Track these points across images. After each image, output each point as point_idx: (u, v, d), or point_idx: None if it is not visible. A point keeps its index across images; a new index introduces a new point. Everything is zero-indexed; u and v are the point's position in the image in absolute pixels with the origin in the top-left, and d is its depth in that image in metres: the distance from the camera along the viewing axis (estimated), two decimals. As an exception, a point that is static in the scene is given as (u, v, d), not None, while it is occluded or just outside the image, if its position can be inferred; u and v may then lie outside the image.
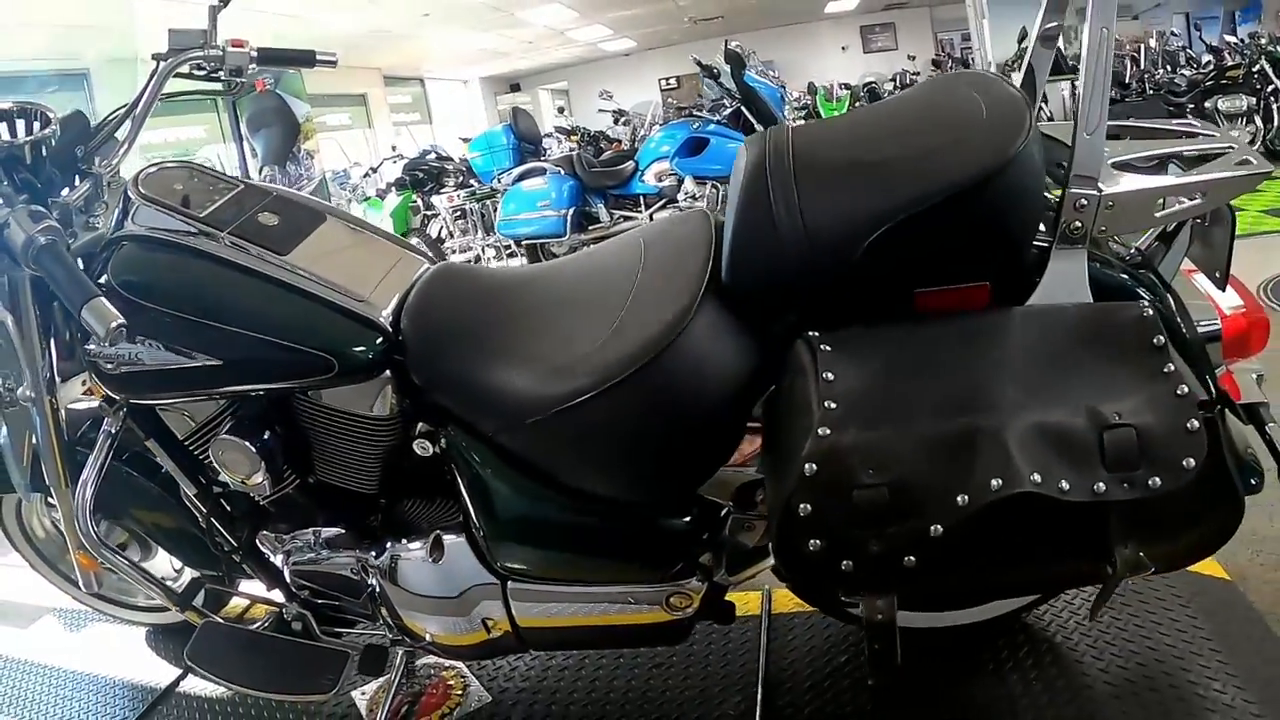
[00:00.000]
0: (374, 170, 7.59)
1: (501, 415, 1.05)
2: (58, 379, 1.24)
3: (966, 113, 0.97)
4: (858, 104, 10.22)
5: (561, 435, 1.03)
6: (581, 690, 1.49)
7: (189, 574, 1.66)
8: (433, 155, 7.45)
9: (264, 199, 1.20)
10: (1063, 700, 1.33)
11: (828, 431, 0.85)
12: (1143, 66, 8.14)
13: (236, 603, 1.67)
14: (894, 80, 11.68)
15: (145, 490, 1.36)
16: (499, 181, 6.25)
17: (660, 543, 1.12)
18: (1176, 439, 0.84)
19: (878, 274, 0.96)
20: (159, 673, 1.74)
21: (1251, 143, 6.15)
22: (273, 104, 5.46)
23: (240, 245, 1.11)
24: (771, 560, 0.99)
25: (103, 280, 1.11)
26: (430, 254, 1.29)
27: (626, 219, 5.59)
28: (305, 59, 1.47)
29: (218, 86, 1.45)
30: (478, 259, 6.62)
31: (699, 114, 5.74)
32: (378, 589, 1.21)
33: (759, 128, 5.09)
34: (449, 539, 1.16)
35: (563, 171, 5.60)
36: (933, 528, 0.84)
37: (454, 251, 6.59)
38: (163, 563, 1.72)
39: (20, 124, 1.11)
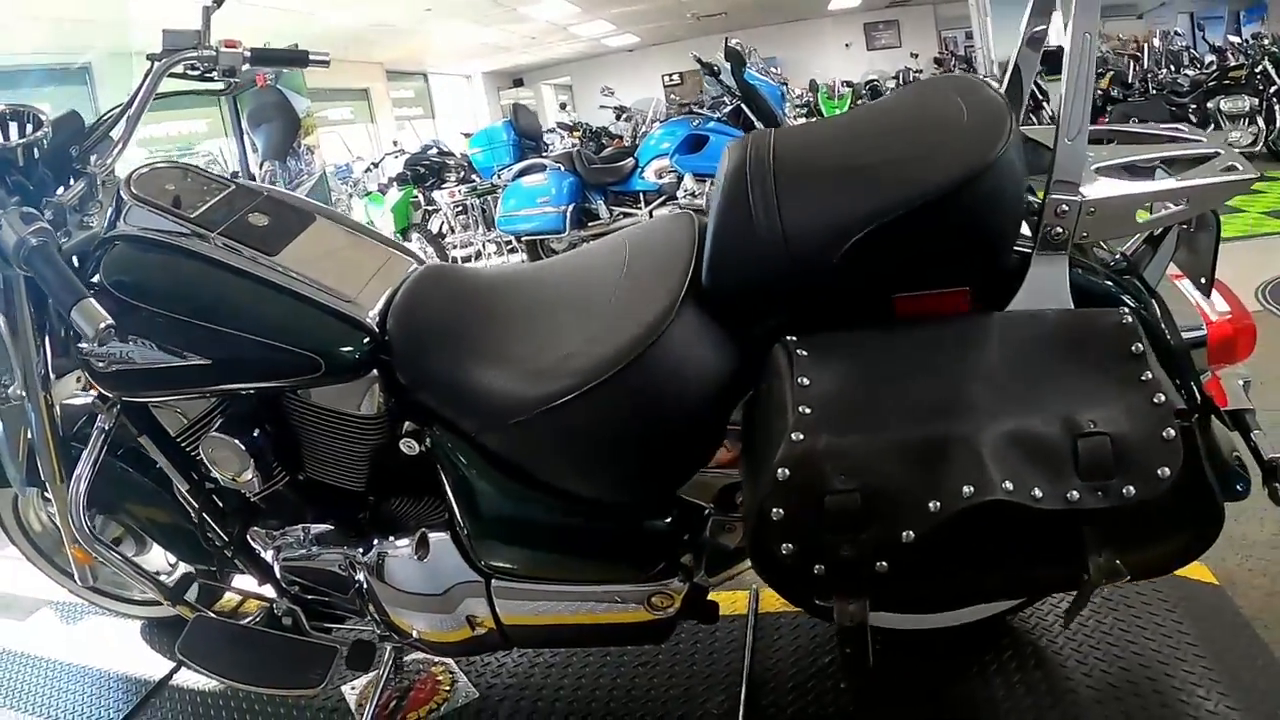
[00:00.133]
0: (375, 165, 7.60)
1: (484, 415, 1.06)
2: (52, 375, 1.25)
3: (948, 117, 0.97)
4: (860, 101, 10.20)
5: (543, 436, 1.04)
6: (568, 687, 1.51)
7: (183, 569, 1.68)
8: (434, 150, 7.44)
9: (254, 200, 1.21)
10: (1045, 704, 1.33)
11: (801, 436, 0.85)
12: (1145, 66, 8.10)
13: (230, 597, 1.69)
14: (897, 78, 11.66)
15: (139, 485, 1.37)
16: (499, 177, 6.26)
17: (641, 543, 1.13)
18: (1152, 448, 0.83)
19: (857, 278, 0.96)
20: (154, 666, 1.76)
21: (1254, 144, 6.17)
22: (273, 99, 5.47)
23: (230, 246, 1.13)
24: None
25: (95, 280, 1.12)
26: (419, 254, 1.31)
27: (626, 215, 5.60)
28: (299, 59, 1.48)
29: (216, 86, 1.46)
30: (478, 254, 6.64)
31: (699, 111, 5.75)
32: (365, 585, 1.22)
33: (759, 125, 5.10)
34: (434, 537, 1.17)
35: (563, 168, 5.61)
36: (904, 534, 0.84)
37: (455, 246, 6.60)
38: (158, 557, 1.74)
39: (13, 126, 1.13)
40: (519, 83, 16.49)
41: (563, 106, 12.35)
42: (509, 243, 6.39)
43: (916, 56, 13.20)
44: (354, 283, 1.15)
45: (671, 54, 14.26)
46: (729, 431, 1.08)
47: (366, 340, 1.10)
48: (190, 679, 1.68)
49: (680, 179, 5.36)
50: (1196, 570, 1.58)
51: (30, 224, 0.99)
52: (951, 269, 0.99)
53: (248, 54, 1.38)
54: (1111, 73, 7.82)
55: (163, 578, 1.44)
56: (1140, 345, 0.90)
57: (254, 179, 5.69)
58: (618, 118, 8.35)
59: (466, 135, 8.23)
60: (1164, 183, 1.05)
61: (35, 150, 1.13)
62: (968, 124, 0.95)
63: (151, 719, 1.62)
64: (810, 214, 0.95)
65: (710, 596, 1.23)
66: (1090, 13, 0.94)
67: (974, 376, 0.90)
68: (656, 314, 1.02)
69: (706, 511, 1.16)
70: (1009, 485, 0.82)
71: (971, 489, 0.82)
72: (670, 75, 14.72)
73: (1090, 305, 0.99)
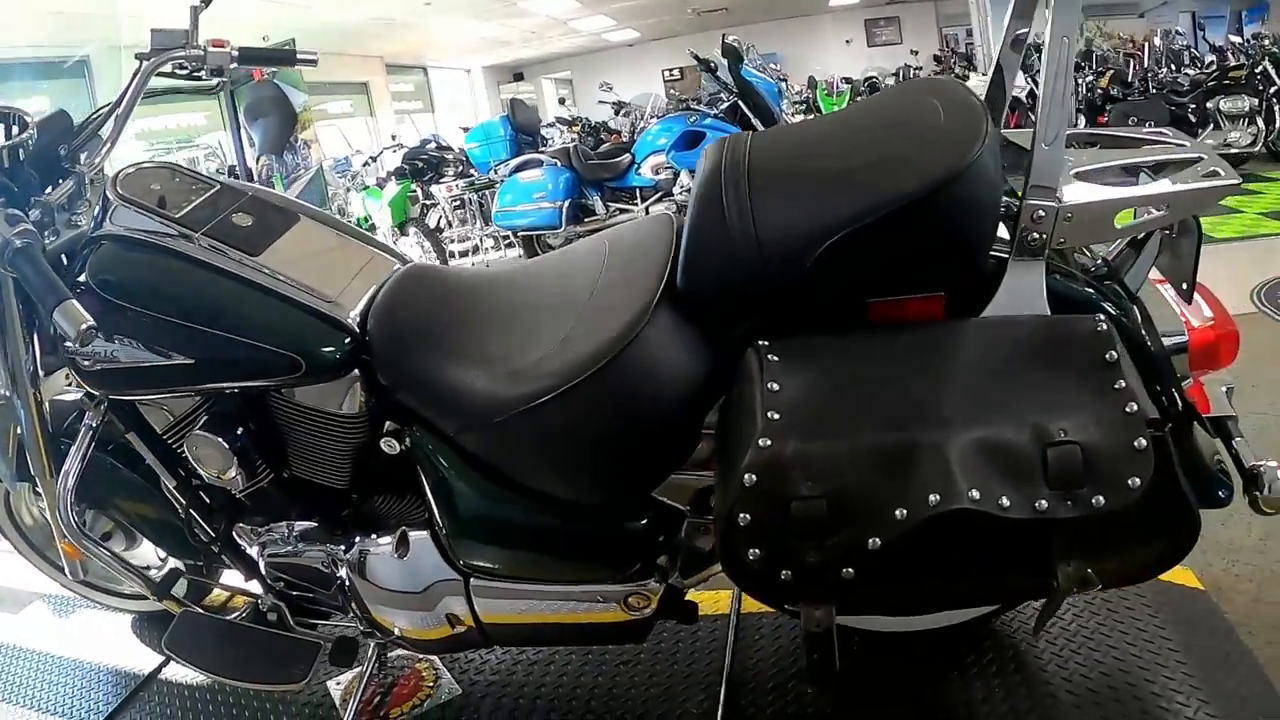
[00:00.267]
0: (374, 159, 7.61)
1: (462, 416, 1.07)
2: (40, 373, 1.27)
3: (924, 121, 0.96)
4: (858, 98, 10.19)
5: (520, 437, 1.05)
6: (549, 684, 1.52)
7: (170, 564, 1.69)
8: (432, 145, 7.46)
9: (239, 199, 1.22)
10: (1024, 708, 1.32)
11: (768, 442, 0.85)
12: (1146, 65, 8.08)
13: (219, 592, 1.70)
14: (897, 74, 11.63)
15: (129, 481, 1.38)
16: (496, 173, 6.26)
17: (616, 544, 1.13)
18: (1122, 457, 0.82)
19: (830, 283, 0.96)
20: (144, 659, 1.77)
21: (1253, 144, 6.16)
22: (270, 93, 5.46)
23: (213, 246, 1.13)
24: None
25: (82, 279, 1.13)
26: (403, 254, 1.32)
27: (622, 211, 5.60)
28: (286, 58, 1.49)
29: (205, 85, 1.46)
30: (476, 249, 6.65)
31: (696, 107, 5.75)
32: (347, 582, 1.23)
33: (756, 122, 5.10)
34: (414, 535, 1.18)
35: (559, 164, 5.62)
36: (871, 540, 0.84)
37: (452, 241, 6.61)
38: (149, 552, 1.75)
39: None
40: (519, 77, 16.46)
41: (561, 101, 12.34)
42: (506, 238, 6.40)
43: (916, 54, 13.17)
44: (336, 283, 1.16)
45: (672, 49, 14.22)
46: (706, 434, 1.08)
47: (347, 340, 1.11)
48: (179, 673, 1.69)
49: (676, 175, 5.36)
50: (1181, 575, 1.57)
51: (14, 225, 1.01)
52: (926, 274, 0.99)
53: (235, 53, 1.39)
54: (1111, 71, 7.81)
55: (153, 572, 1.46)
56: (1114, 353, 0.89)
57: (251, 173, 5.70)
58: (616, 113, 8.35)
59: (465, 130, 8.24)
60: (1143, 188, 1.04)
61: (20, 152, 1.14)
62: (943, 128, 0.94)
63: (140, 712, 1.63)
64: (783, 218, 0.95)
65: (692, 596, 1.23)
66: (1069, 16, 0.93)
67: (945, 383, 0.89)
68: (632, 316, 1.02)
69: (683, 514, 1.16)
70: (976, 494, 0.82)
71: (938, 497, 0.82)
72: (671, 70, 14.69)
73: (1068, 311, 0.98)
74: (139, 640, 1.85)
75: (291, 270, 1.14)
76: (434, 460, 1.12)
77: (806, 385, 0.90)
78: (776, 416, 0.87)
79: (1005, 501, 0.82)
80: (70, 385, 1.39)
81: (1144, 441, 0.82)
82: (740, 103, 5.11)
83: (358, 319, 1.13)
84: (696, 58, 5.52)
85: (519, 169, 5.83)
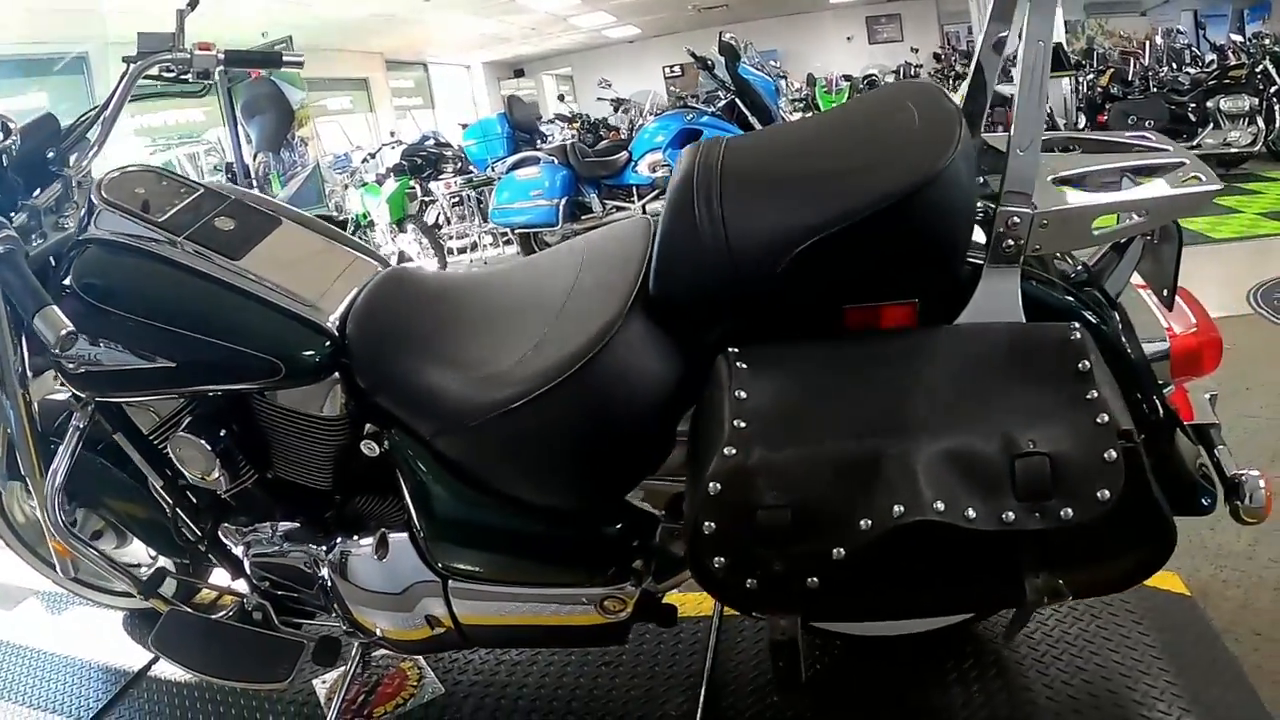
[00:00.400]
0: (372, 156, 7.61)
1: (438, 420, 1.08)
2: (29, 373, 1.28)
3: (898, 126, 0.96)
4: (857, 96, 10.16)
5: (493, 441, 1.06)
6: (532, 685, 1.52)
7: (164, 562, 1.70)
8: (431, 141, 7.46)
9: (221, 204, 1.23)
10: (1002, 714, 1.32)
11: (733, 451, 0.85)
12: (1146, 64, 8.06)
13: (210, 591, 1.71)
14: (896, 72, 11.63)
15: (118, 480, 1.39)
16: (493, 170, 6.26)
17: (591, 548, 1.14)
18: (1092, 469, 0.81)
19: (802, 289, 0.96)
20: (135, 657, 1.78)
21: (1253, 143, 6.14)
22: (267, 91, 5.46)
23: (194, 250, 1.14)
24: None
25: (66, 282, 1.15)
26: (383, 258, 1.32)
27: (619, 209, 5.61)
28: (273, 60, 1.50)
29: (196, 87, 1.47)
30: (474, 246, 6.65)
31: (693, 105, 5.75)
32: (330, 583, 1.24)
33: (753, 120, 5.11)
34: (394, 537, 1.19)
35: (556, 161, 5.62)
36: (835, 550, 0.83)
37: (451, 238, 6.61)
38: (140, 550, 1.76)
39: None
40: (520, 73, 16.43)
41: (561, 98, 12.32)
42: (504, 235, 6.40)
43: (917, 51, 13.14)
44: (316, 287, 1.17)
45: (673, 46, 14.17)
46: (682, 440, 1.08)
47: (326, 344, 1.12)
48: (168, 670, 1.71)
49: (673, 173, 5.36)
50: (1167, 580, 1.56)
51: None
52: (899, 281, 0.99)
53: (221, 56, 1.40)
54: (1111, 70, 7.79)
55: (144, 571, 1.47)
56: (1087, 363, 0.87)
57: (248, 170, 5.70)
58: (615, 110, 8.34)
59: (463, 126, 8.24)
60: (1120, 194, 1.03)
61: (3, 158, 1.15)
62: (917, 133, 0.93)
63: (130, 708, 1.65)
64: (754, 223, 0.94)
65: (677, 598, 1.23)
66: (1044, 22, 0.92)
67: (914, 392, 0.89)
68: (604, 322, 1.03)
69: (658, 519, 1.17)
70: (940, 505, 0.81)
71: (902, 508, 0.81)
72: (671, 67, 14.66)
73: (1046, 318, 0.97)
74: (130, 638, 1.86)
75: (272, 274, 1.15)
76: (411, 463, 1.12)
77: (774, 393, 0.90)
78: (743, 424, 0.87)
79: (971, 513, 0.81)
80: (60, 385, 1.40)
81: (1114, 453, 0.81)
82: (737, 100, 5.12)
83: (337, 322, 1.14)
84: (693, 55, 5.53)
85: (516, 166, 5.83)
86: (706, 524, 0.86)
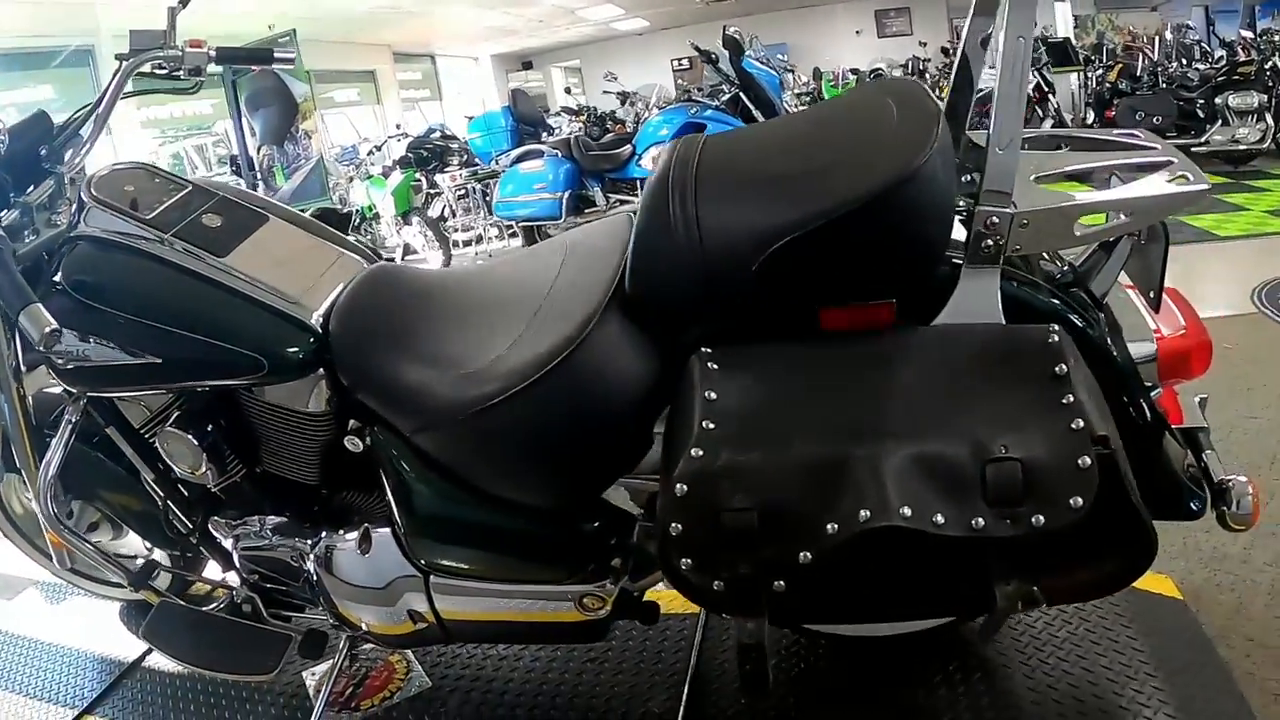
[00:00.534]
0: (379, 148, 7.62)
1: (418, 416, 1.08)
2: (23, 367, 1.29)
3: (875, 124, 0.95)
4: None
5: (471, 438, 1.06)
6: (517, 680, 1.53)
7: (159, 554, 1.72)
8: (437, 134, 7.45)
9: (209, 201, 1.24)
10: (987, 717, 1.30)
11: (700, 453, 0.84)
12: (1155, 59, 7.99)
13: (202, 584, 1.73)
14: (904, 66, 11.55)
15: (111, 473, 1.41)
16: (497, 163, 6.26)
17: (568, 546, 1.15)
18: (1065, 476, 0.79)
19: (775, 289, 0.95)
20: (130, 647, 1.80)
21: (1262, 140, 6.08)
22: (271, 84, 5.48)
23: (181, 247, 1.15)
24: None
25: (57, 279, 1.16)
26: (372, 254, 1.33)
27: (623, 202, 5.60)
28: (264, 57, 1.51)
29: (188, 85, 1.48)
30: (480, 238, 6.66)
31: (698, 99, 5.73)
32: (315, 577, 1.26)
33: (757, 114, 5.08)
34: (377, 532, 1.20)
35: (560, 154, 5.61)
36: (801, 554, 0.82)
37: (456, 230, 6.62)
38: (136, 542, 1.78)
39: None
40: (528, 65, 16.39)
41: (568, 90, 12.27)
42: (510, 228, 6.41)
43: (925, 45, 13.05)
44: (301, 283, 1.17)
45: (681, 39, 14.04)
46: (659, 438, 1.08)
47: (310, 340, 1.13)
48: (162, 661, 1.72)
49: (677, 168, 5.34)
50: (1159, 583, 1.54)
51: None
52: (874, 281, 0.98)
53: (212, 53, 1.41)
54: (1119, 65, 7.73)
55: (138, 562, 1.49)
56: (1064, 366, 0.86)
57: (252, 162, 5.72)
58: (622, 103, 8.32)
59: (469, 119, 8.23)
60: (1103, 194, 1.02)
61: None
62: (894, 131, 0.92)
63: (125, 698, 1.67)
64: (727, 223, 0.94)
65: (664, 595, 1.22)
66: (1024, 19, 0.91)
67: (886, 395, 0.88)
68: (580, 320, 1.03)
69: (635, 517, 1.18)
70: (908, 511, 0.80)
71: (868, 513, 0.79)
72: (680, 60, 14.59)
73: (1028, 319, 0.96)
74: (126, 628, 1.88)
75: (257, 271, 1.16)
76: (393, 459, 1.13)
77: (744, 394, 0.89)
78: (711, 426, 0.86)
79: (940, 519, 0.80)
80: (53, 379, 1.42)
81: (1088, 460, 0.79)
82: (741, 94, 5.10)
83: (321, 319, 1.14)
84: (698, 49, 5.51)
85: (520, 159, 5.83)
86: (673, 525, 0.85)
